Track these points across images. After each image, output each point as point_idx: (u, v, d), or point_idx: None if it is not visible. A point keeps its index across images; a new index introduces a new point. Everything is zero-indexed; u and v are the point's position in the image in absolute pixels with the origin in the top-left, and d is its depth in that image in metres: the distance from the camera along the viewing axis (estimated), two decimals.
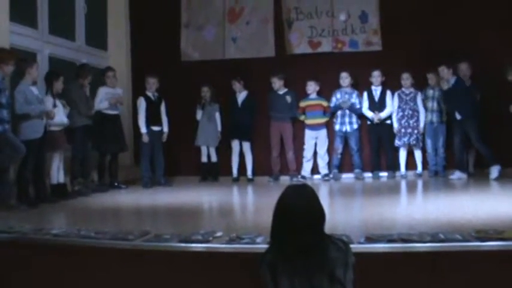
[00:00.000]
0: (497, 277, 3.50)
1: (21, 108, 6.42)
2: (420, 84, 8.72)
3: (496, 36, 8.29)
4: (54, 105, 7.03)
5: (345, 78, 8.87)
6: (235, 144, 9.19)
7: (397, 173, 8.74)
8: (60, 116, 7.09)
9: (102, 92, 8.18)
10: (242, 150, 9.19)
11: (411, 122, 8.64)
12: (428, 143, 8.60)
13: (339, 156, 8.89)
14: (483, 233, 3.82)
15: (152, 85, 8.64)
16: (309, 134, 9.01)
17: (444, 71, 8.16)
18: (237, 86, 9.15)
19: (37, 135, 6.55)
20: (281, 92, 9.06)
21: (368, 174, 8.84)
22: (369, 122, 8.88)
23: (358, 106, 8.85)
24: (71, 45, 8.64)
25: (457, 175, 8.09)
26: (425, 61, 8.51)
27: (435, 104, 8.54)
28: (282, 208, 2.76)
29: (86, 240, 4.23)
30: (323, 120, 9.00)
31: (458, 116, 8.11)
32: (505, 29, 8.28)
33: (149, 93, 8.64)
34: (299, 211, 2.71)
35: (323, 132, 8.99)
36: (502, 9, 8.35)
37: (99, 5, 9.43)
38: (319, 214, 2.77)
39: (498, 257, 3.57)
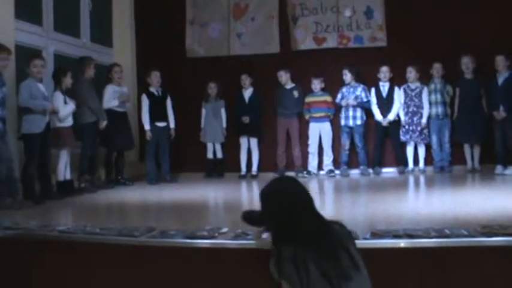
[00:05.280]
0: (503, 273, 3.50)
1: (24, 101, 6.44)
2: (425, 80, 8.68)
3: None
4: (65, 102, 7.05)
5: (345, 75, 8.84)
6: (243, 140, 9.19)
7: (404, 169, 8.71)
8: (68, 113, 7.11)
9: (110, 90, 8.17)
10: (249, 147, 9.19)
11: (415, 118, 8.61)
12: (433, 138, 8.57)
13: (347, 152, 8.88)
14: (489, 229, 3.80)
15: (154, 78, 8.60)
16: (312, 126, 9.00)
17: (501, 62, 7.93)
18: (247, 81, 9.14)
19: (37, 131, 6.55)
20: (288, 87, 9.06)
21: (370, 170, 8.82)
22: (376, 119, 8.85)
23: (365, 100, 8.82)
24: (76, 42, 8.63)
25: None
26: (430, 57, 8.49)
27: (439, 96, 8.51)
28: (270, 200, 2.94)
29: (92, 237, 4.23)
30: (327, 113, 8.99)
31: (502, 112, 7.88)
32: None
33: (152, 90, 8.64)
34: (288, 196, 2.89)
35: (327, 125, 8.97)
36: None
37: (104, 2, 9.43)
38: (305, 196, 2.93)
39: (504, 252, 3.56)
